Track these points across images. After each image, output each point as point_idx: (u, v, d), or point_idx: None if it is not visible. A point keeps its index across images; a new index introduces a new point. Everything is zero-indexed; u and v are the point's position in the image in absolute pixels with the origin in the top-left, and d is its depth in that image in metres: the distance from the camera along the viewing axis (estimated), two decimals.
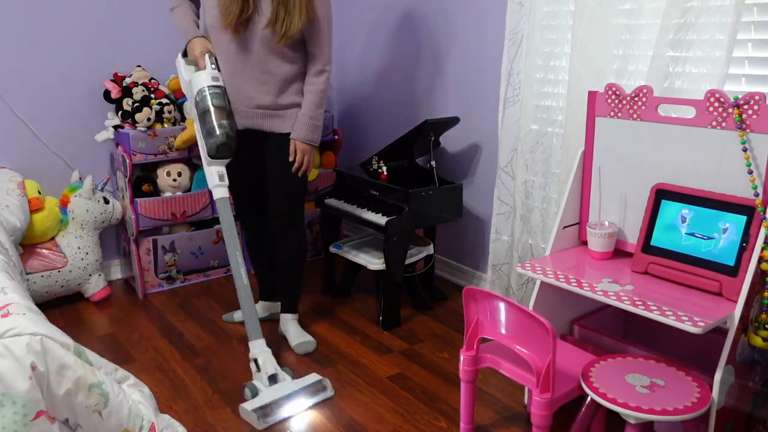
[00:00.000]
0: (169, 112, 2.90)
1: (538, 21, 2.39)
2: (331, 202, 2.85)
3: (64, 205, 2.84)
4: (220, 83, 2.16)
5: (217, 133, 2.10)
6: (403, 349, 2.45)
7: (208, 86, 2.12)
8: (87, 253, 2.83)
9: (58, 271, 2.75)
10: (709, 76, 1.85)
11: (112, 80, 2.93)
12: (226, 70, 2.25)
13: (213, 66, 2.16)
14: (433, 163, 2.65)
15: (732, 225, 1.66)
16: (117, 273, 3.20)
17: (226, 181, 2.21)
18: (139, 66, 3.01)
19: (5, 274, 1.73)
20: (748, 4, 1.83)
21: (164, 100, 2.89)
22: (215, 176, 2.18)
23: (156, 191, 2.95)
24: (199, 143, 2.19)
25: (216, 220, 3.13)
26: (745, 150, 1.61)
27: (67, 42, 2.90)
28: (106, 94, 2.91)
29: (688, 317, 1.52)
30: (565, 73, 2.37)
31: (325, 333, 2.58)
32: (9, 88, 2.82)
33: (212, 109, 2.11)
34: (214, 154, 2.13)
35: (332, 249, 2.80)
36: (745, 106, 1.60)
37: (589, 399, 1.63)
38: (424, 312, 2.74)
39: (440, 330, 2.58)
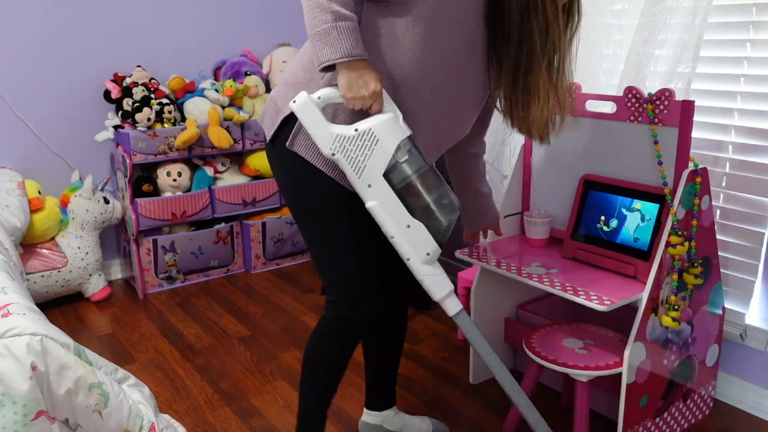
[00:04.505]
0: (169, 112, 2.90)
1: None
2: None
3: (64, 205, 2.84)
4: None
5: (454, 206, 1.42)
6: (402, 348, 2.45)
7: (409, 137, 1.37)
8: (87, 253, 2.83)
9: (58, 271, 2.75)
10: (678, 75, 1.89)
11: (112, 80, 2.93)
12: (433, 87, 1.40)
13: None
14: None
15: (648, 213, 1.77)
16: (117, 273, 3.20)
17: None
18: (139, 66, 3.01)
19: (5, 274, 1.73)
20: (748, 4, 1.84)
21: (164, 100, 2.89)
22: (444, 276, 1.46)
23: (156, 191, 2.95)
24: (403, 231, 1.37)
25: (216, 220, 3.14)
26: (656, 143, 1.72)
27: (67, 42, 2.91)
28: (106, 94, 2.92)
29: (597, 296, 1.63)
30: None
31: None
32: (9, 87, 2.82)
33: (433, 174, 1.41)
34: (441, 243, 1.42)
35: None
36: (657, 102, 1.71)
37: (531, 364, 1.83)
38: (424, 312, 2.74)
39: (440, 330, 2.58)
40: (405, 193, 1.36)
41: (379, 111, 1.34)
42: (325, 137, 1.33)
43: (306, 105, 1.32)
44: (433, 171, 1.41)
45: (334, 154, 1.33)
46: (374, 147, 1.33)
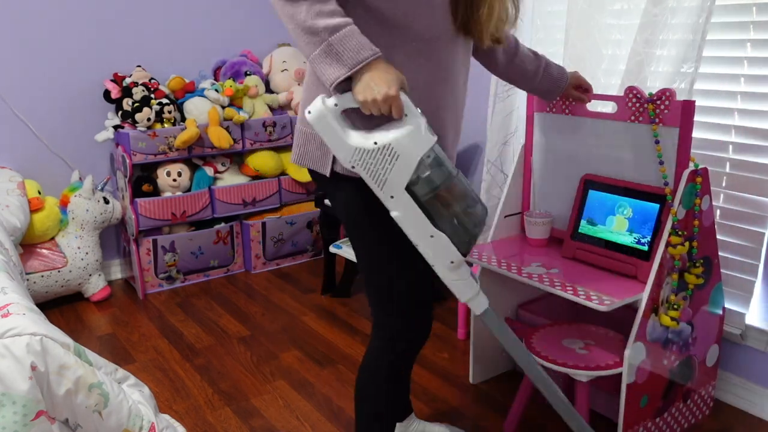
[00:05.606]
0: (169, 112, 2.90)
1: (526, 20, 2.41)
2: None
3: (64, 205, 2.84)
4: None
5: (480, 215, 1.37)
6: None
7: (435, 145, 1.29)
8: (87, 253, 2.83)
9: (58, 271, 2.75)
10: (681, 75, 1.89)
11: (112, 80, 2.93)
12: (434, 98, 1.39)
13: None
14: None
15: (648, 213, 1.77)
16: (117, 273, 3.20)
17: None
18: (139, 66, 3.01)
19: (5, 274, 1.73)
20: (748, 4, 1.84)
21: (164, 100, 2.89)
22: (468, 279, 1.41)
23: (156, 191, 2.95)
24: (426, 241, 1.32)
25: (216, 220, 3.14)
26: (657, 142, 1.73)
27: (67, 42, 2.91)
28: (106, 94, 2.92)
29: (597, 296, 1.64)
30: None
31: (325, 333, 2.58)
32: (9, 88, 2.82)
33: (459, 184, 1.33)
34: (467, 252, 1.39)
35: (332, 249, 2.80)
36: (658, 102, 1.71)
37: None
38: None
39: (440, 330, 2.58)
40: (429, 205, 1.30)
41: (400, 116, 1.25)
42: (344, 149, 1.26)
43: (321, 116, 1.24)
44: (460, 180, 1.34)
45: (353, 167, 1.27)
46: (395, 162, 1.25)
